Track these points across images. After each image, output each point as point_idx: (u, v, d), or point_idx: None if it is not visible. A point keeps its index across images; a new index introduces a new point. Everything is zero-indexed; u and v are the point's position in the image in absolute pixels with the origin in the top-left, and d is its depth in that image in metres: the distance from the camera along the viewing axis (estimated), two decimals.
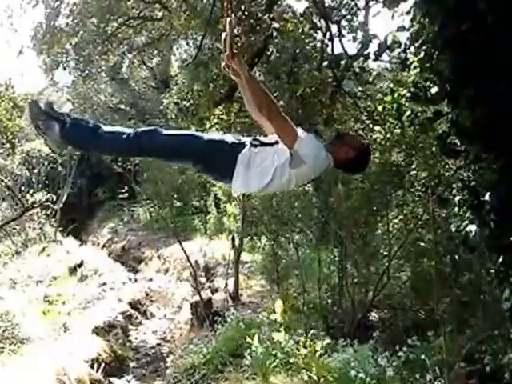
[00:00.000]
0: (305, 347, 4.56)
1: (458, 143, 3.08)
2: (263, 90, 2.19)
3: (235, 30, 2.50)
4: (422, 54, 3.29)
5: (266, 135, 2.39)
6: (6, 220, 11.35)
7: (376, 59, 3.69)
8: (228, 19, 2.33)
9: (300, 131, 2.20)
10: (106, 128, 2.31)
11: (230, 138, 2.32)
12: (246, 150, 2.23)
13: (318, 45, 5.76)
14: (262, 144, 2.28)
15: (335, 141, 2.34)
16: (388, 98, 4.39)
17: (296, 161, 2.17)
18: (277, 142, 2.25)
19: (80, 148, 2.66)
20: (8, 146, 10.41)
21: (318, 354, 4.41)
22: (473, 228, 3.08)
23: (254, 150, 2.24)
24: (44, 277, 9.97)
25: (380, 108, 4.65)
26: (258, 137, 2.35)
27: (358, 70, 5.34)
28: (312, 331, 4.93)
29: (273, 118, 2.16)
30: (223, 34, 2.33)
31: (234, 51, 2.28)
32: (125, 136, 2.24)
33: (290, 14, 5.88)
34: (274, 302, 6.73)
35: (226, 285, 8.06)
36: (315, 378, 4.31)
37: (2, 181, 11.77)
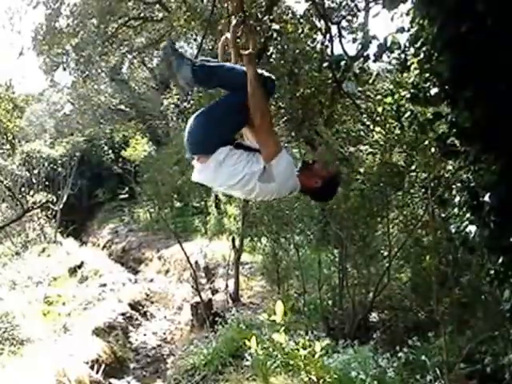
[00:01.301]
0: (304, 348, 4.55)
1: (458, 144, 3.08)
2: (263, 95, 2.18)
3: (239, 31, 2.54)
4: (422, 56, 3.29)
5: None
6: (6, 221, 11.35)
7: (376, 61, 3.69)
8: (234, 21, 2.38)
9: (281, 153, 2.18)
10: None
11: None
12: (227, 148, 2.24)
13: (318, 46, 5.77)
14: (243, 147, 2.29)
15: (305, 169, 2.33)
16: (388, 100, 4.39)
17: (267, 176, 2.18)
18: (256, 151, 2.25)
19: (205, 85, 2.77)
20: (8, 146, 10.44)
21: (317, 355, 4.40)
22: (473, 229, 3.07)
23: (233, 150, 2.25)
24: (44, 278, 9.98)
25: (380, 109, 4.64)
26: (241, 141, 2.37)
27: (357, 70, 5.34)
28: (313, 332, 4.94)
29: (262, 127, 2.16)
30: (228, 35, 2.38)
31: (243, 52, 2.30)
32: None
33: (289, 15, 5.88)
34: (274, 302, 6.74)
35: (227, 286, 8.05)
36: (314, 379, 4.30)
37: (2, 182, 11.76)
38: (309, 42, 5.71)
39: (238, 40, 2.52)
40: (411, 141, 4.78)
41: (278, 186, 2.21)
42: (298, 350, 4.55)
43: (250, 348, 4.81)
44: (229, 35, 2.40)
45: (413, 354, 4.46)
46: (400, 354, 4.40)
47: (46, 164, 16.27)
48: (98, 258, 12.71)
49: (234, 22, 2.43)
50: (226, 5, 2.58)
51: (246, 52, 2.28)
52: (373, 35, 4.31)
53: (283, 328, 4.73)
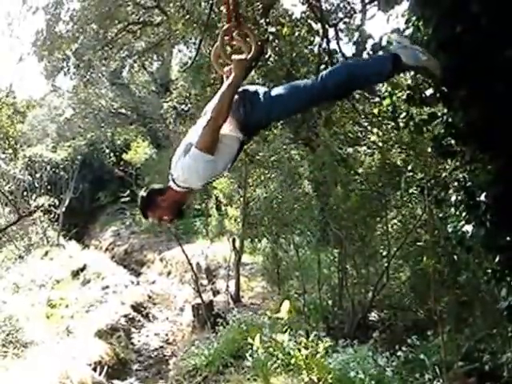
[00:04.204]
0: (306, 348, 4.58)
1: (454, 144, 3.10)
2: (230, 103, 2.18)
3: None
4: None
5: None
6: (2, 226, 11.43)
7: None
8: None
9: (209, 156, 2.16)
10: None
11: None
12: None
13: (316, 48, 5.80)
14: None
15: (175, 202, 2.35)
16: (386, 101, 4.42)
17: (185, 151, 2.23)
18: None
19: None
20: (10, 151, 10.52)
21: (319, 355, 4.43)
22: (469, 228, 3.09)
23: None
24: (47, 281, 10.03)
25: (376, 111, 4.67)
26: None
27: None
28: (312, 332, 4.96)
29: (210, 123, 2.17)
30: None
31: (235, 57, 2.33)
32: None
33: (286, 18, 5.92)
34: (276, 302, 6.78)
35: (228, 287, 8.10)
36: (315, 379, 4.33)
37: (4, 186, 11.84)
38: (306, 44, 5.75)
39: (233, 44, 2.55)
40: (408, 141, 4.82)
41: (182, 166, 2.23)
42: (299, 349, 4.59)
43: (251, 348, 4.86)
44: (218, 41, 2.43)
45: (412, 352, 4.49)
46: (399, 353, 4.42)
47: (48, 168, 16.32)
48: (100, 260, 12.73)
49: (225, 26, 2.46)
50: (222, 9, 2.59)
51: (237, 57, 2.30)
52: (368, 34, 4.34)
53: (285, 328, 4.78)
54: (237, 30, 2.49)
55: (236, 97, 2.26)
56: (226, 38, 2.47)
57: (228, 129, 2.26)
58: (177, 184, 2.27)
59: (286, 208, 6.90)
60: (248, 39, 2.52)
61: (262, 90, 2.35)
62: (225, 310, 7.26)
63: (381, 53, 2.32)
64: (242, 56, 2.36)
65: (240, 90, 2.29)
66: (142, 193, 2.43)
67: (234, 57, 2.32)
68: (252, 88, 2.36)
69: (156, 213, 2.39)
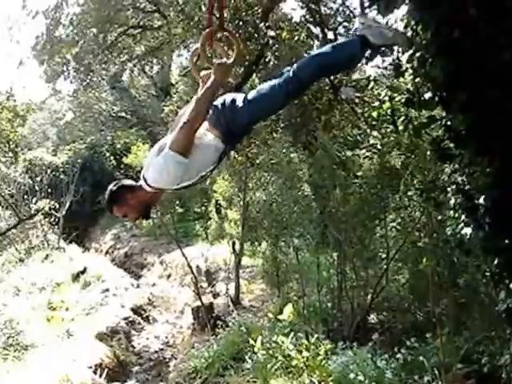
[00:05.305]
0: (307, 350, 4.59)
1: (453, 147, 3.12)
2: (208, 107, 2.19)
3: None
4: (416, 60, 3.35)
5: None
6: (2, 230, 11.46)
7: (367, 62, 3.75)
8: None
9: (181, 158, 2.14)
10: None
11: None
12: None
13: None
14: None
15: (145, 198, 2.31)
16: (386, 105, 4.45)
17: (158, 152, 2.23)
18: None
19: None
20: (11, 154, 10.56)
21: (319, 357, 4.44)
22: (468, 231, 3.10)
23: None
24: (47, 284, 10.04)
25: (375, 114, 4.70)
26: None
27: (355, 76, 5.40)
28: (312, 335, 4.97)
29: (186, 125, 2.16)
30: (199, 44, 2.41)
31: (215, 60, 2.30)
32: None
33: (285, 22, 5.96)
34: (275, 305, 6.80)
35: (227, 289, 8.12)
36: (316, 381, 4.34)
37: (4, 189, 11.87)
38: (305, 48, 5.78)
39: (213, 48, 2.53)
40: (407, 144, 4.84)
41: (154, 166, 2.21)
42: (300, 351, 4.60)
43: (251, 350, 4.87)
44: (199, 44, 2.39)
45: (411, 354, 4.50)
46: (398, 355, 4.44)
47: (49, 171, 16.33)
48: (100, 263, 12.75)
49: (207, 30, 2.40)
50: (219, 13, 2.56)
51: (219, 61, 2.29)
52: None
53: (287, 330, 4.80)
54: (220, 33, 2.47)
55: (216, 107, 2.26)
56: (207, 41, 2.40)
57: (209, 138, 2.26)
58: (148, 184, 2.23)
59: (285, 211, 6.92)
60: (232, 43, 2.48)
61: (239, 96, 2.34)
62: (225, 313, 7.29)
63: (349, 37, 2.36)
64: (223, 60, 2.34)
65: (217, 101, 2.29)
66: (112, 186, 2.33)
67: (215, 61, 2.31)
68: (229, 97, 2.34)
69: (122, 209, 2.32)
